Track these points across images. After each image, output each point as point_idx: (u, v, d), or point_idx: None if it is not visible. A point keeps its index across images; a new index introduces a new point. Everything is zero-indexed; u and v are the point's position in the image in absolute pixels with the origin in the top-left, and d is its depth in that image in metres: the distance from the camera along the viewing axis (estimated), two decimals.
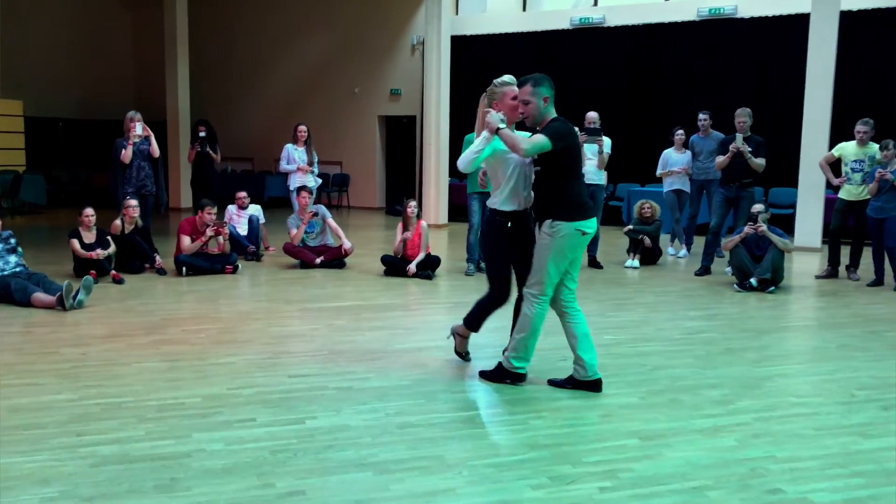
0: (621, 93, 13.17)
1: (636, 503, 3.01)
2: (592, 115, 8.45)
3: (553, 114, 4.26)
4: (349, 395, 4.25)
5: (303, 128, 9.60)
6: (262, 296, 7.16)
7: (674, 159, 9.62)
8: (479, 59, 14.07)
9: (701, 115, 9.40)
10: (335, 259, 8.41)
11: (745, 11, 12.41)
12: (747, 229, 7.47)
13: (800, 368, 5.07)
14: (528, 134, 4.31)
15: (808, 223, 10.33)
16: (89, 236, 7.55)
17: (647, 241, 8.88)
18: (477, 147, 4.24)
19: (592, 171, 8.30)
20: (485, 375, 4.53)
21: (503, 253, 4.45)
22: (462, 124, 8.08)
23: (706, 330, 5.93)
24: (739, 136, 8.06)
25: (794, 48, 11.42)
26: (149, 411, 3.94)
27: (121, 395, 4.19)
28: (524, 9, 14.49)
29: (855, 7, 11.38)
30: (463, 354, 4.90)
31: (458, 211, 12.44)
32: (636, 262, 8.83)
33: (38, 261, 7.98)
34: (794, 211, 10.72)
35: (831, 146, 8.65)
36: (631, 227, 9.11)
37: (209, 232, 7.89)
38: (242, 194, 9.41)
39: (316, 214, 8.48)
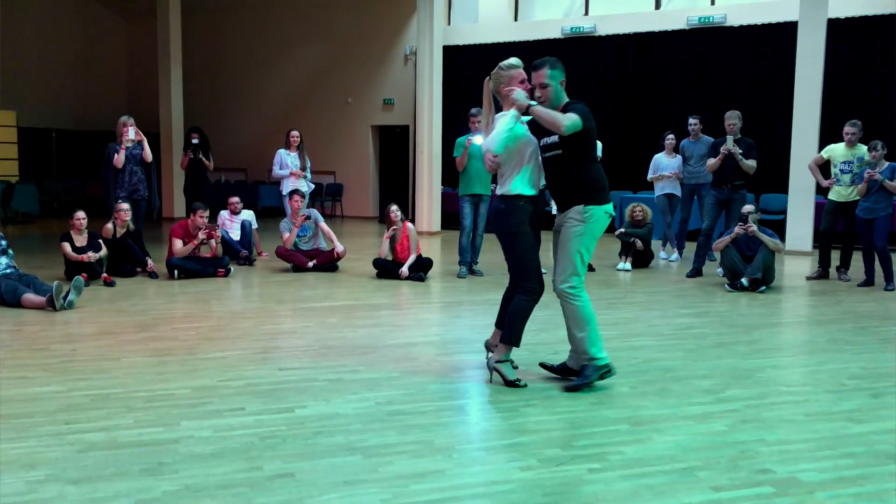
0: (612, 101, 13.25)
1: (626, 483, 3.00)
2: None
3: (566, 98, 4.21)
4: (339, 385, 4.24)
5: (295, 133, 9.62)
6: (254, 297, 7.15)
7: (664, 164, 9.67)
8: (471, 69, 14.11)
9: (691, 120, 9.46)
10: (328, 262, 8.41)
11: (734, 20, 12.54)
12: (738, 230, 7.50)
13: (790, 360, 5.08)
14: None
15: (798, 227, 10.38)
16: (81, 240, 7.53)
17: (639, 243, 8.91)
18: (508, 125, 4.06)
19: None
20: (574, 388, 4.15)
21: (532, 239, 4.21)
22: (455, 133, 8.11)
23: (697, 326, 5.94)
24: (730, 139, 8.12)
25: (782, 55, 11.53)
26: (137, 402, 3.92)
27: (109, 387, 4.17)
28: (516, 19, 14.60)
29: (842, 15, 11.51)
30: (514, 381, 4.18)
31: (450, 219, 12.46)
32: (628, 265, 8.85)
33: (30, 265, 7.94)
34: (785, 216, 10.77)
35: (820, 150, 8.72)
36: (622, 230, 9.13)
37: (201, 235, 7.88)
38: (235, 199, 9.41)
39: (308, 218, 8.49)
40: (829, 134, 10.04)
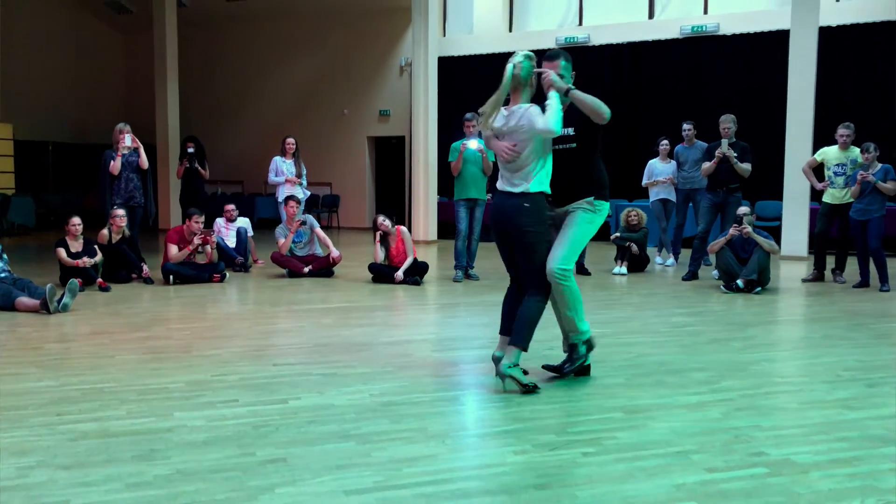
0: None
1: (620, 465, 2.99)
2: None
3: None
4: (333, 379, 4.23)
5: (291, 140, 9.66)
6: (250, 300, 7.14)
7: (659, 169, 9.70)
8: (466, 79, 14.21)
9: (685, 125, 9.51)
10: (323, 268, 8.40)
11: (727, 29, 12.63)
12: (733, 231, 7.52)
13: (785, 354, 5.08)
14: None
15: (794, 232, 10.40)
16: (76, 245, 7.53)
17: (635, 248, 8.92)
18: (559, 105, 3.90)
19: None
20: (575, 370, 4.18)
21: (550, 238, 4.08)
22: (451, 143, 8.13)
23: (692, 324, 5.93)
24: (725, 142, 8.16)
25: (775, 63, 11.59)
26: (130, 394, 3.91)
27: (103, 382, 4.15)
28: (510, 30, 14.70)
29: (834, 23, 11.62)
30: (528, 386, 3.95)
31: (446, 228, 12.47)
32: (624, 269, 8.85)
33: (25, 273, 7.86)
34: (780, 223, 10.80)
35: (814, 154, 8.75)
36: (618, 234, 9.15)
37: (196, 240, 7.88)
38: (231, 207, 9.42)
39: (304, 223, 8.50)
40: (822, 140, 10.08)
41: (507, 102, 4.05)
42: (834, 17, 11.64)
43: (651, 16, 13.51)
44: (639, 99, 13.32)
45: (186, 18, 15.79)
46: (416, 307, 6.82)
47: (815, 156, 8.41)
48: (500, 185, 4.08)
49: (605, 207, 4.14)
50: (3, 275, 6.59)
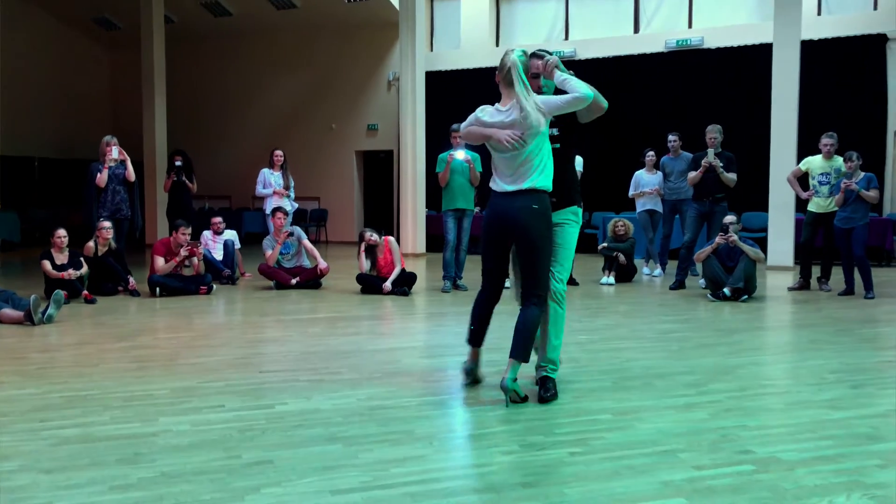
0: (591, 124, 13.39)
1: (607, 464, 2.99)
2: None
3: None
4: (320, 385, 4.21)
5: (279, 152, 9.66)
6: (237, 311, 7.11)
7: (645, 180, 9.76)
8: (453, 94, 14.29)
9: (671, 137, 9.58)
10: (311, 280, 8.38)
11: (711, 42, 12.78)
12: (719, 239, 7.57)
13: (772, 358, 5.10)
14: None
15: (779, 242, 10.47)
16: (61, 257, 7.48)
17: (622, 258, 8.95)
18: (573, 78, 3.79)
19: None
20: (551, 398, 3.87)
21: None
22: (437, 158, 8.19)
23: (680, 330, 5.95)
24: (711, 152, 8.24)
25: (758, 76, 11.72)
26: (115, 401, 3.87)
27: (87, 389, 4.11)
28: (497, 44, 14.80)
29: (815, 37, 11.78)
30: (525, 397, 3.85)
31: (435, 240, 12.47)
32: (611, 279, 8.88)
33: (10, 286, 7.81)
34: (766, 234, 10.88)
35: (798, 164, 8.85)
36: (605, 244, 9.19)
37: (183, 252, 7.85)
38: (218, 219, 9.40)
39: (291, 234, 8.48)
40: (806, 150, 10.17)
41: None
42: (815, 30, 11.81)
43: (636, 30, 13.66)
44: (625, 111, 13.39)
45: (174, 34, 15.82)
46: (404, 316, 6.80)
47: (800, 165, 8.49)
48: (501, 185, 3.80)
49: (582, 214, 4.14)
50: None
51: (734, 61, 12.54)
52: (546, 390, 3.87)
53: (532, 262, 3.80)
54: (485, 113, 3.87)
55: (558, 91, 3.91)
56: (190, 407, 3.77)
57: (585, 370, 4.51)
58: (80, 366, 4.68)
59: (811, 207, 8.27)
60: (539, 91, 3.94)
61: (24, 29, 16.15)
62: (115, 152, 8.29)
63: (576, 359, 4.81)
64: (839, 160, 8.09)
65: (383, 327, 6.29)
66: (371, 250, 8.00)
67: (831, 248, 8.26)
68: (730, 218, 7.77)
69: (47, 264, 7.35)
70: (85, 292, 7.35)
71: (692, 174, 8.41)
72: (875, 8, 12.02)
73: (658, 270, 9.75)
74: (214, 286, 8.10)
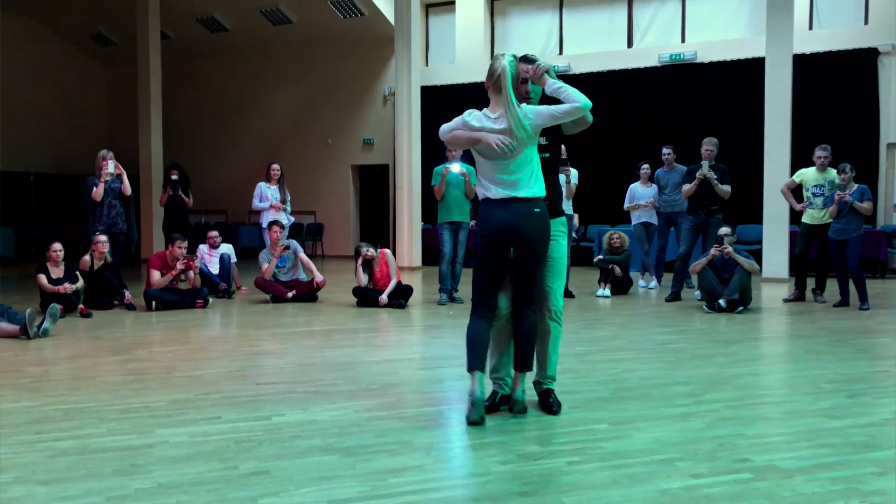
0: (587, 135, 13.46)
1: (605, 472, 2.99)
2: None
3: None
4: (317, 396, 4.20)
5: (276, 166, 9.69)
6: (233, 324, 7.10)
7: (640, 193, 9.81)
8: (449, 108, 14.26)
9: (665, 150, 9.64)
10: (307, 293, 8.38)
11: (705, 56, 12.89)
12: (714, 251, 7.59)
13: (768, 368, 5.12)
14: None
15: (774, 254, 10.51)
16: (57, 271, 7.47)
17: (618, 270, 8.97)
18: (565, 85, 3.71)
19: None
20: (559, 408, 3.86)
21: None
22: (433, 172, 8.23)
23: (676, 342, 5.96)
24: (705, 164, 8.29)
25: (751, 89, 11.80)
26: (111, 413, 3.86)
27: (83, 402, 4.10)
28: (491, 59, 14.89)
29: (807, 51, 11.89)
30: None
31: (431, 254, 12.49)
32: (607, 291, 8.90)
33: (5, 300, 7.81)
34: (761, 246, 10.92)
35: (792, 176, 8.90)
36: (601, 256, 9.21)
37: (179, 265, 7.84)
38: (214, 233, 9.40)
39: (287, 248, 8.48)
40: (799, 163, 10.24)
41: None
42: (807, 45, 11.92)
43: (630, 45, 13.76)
44: (619, 125, 13.51)
45: (170, 49, 15.89)
46: (400, 329, 6.80)
47: (794, 177, 8.54)
48: (496, 191, 3.66)
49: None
50: None
51: (727, 75, 12.65)
52: (552, 404, 3.84)
53: (530, 272, 3.72)
54: (472, 117, 3.72)
55: (546, 98, 3.80)
56: (187, 419, 3.76)
57: (583, 381, 4.52)
58: (75, 379, 4.67)
59: (805, 219, 8.31)
60: (526, 96, 3.82)
61: (21, 44, 16.21)
62: (111, 166, 8.31)
63: (573, 370, 4.81)
64: (833, 172, 8.14)
65: (380, 339, 6.29)
66: (368, 264, 8.01)
67: (826, 260, 8.29)
68: (724, 230, 7.80)
69: (43, 278, 7.34)
70: (81, 306, 7.33)
71: (687, 186, 8.46)
72: (866, 23, 12.14)
73: (654, 283, 9.77)
74: (211, 300, 8.09)
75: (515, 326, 3.78)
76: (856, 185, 7.85)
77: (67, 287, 7.32)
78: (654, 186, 9.71)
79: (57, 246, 7.50)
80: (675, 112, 12.98)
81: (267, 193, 9.54)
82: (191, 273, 7.98)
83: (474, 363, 3.67)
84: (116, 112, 17.93)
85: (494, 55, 3.78)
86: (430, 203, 9.74)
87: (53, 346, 5.85)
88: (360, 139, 15.95)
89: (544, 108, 3.69)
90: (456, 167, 7.93)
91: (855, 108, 11.85)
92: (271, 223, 8.64)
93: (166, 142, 14.97)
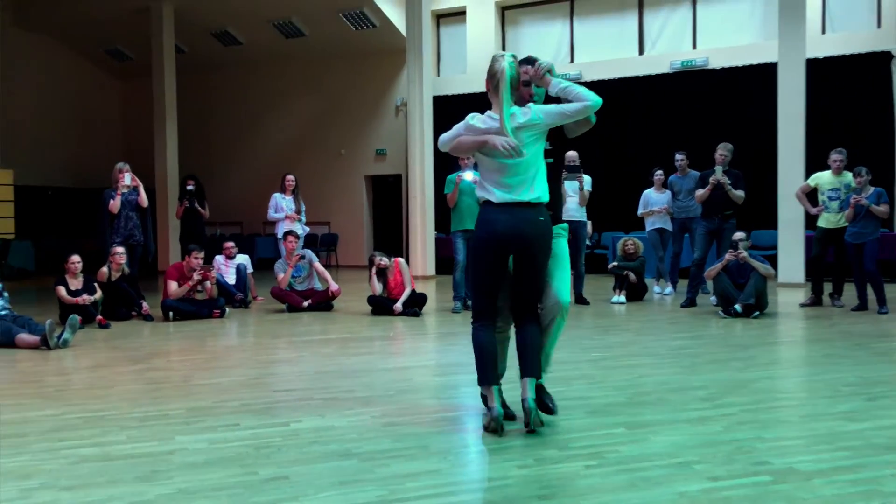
0: (600, 142, 13.47)
1: (622, 476, 2.99)
2: (572, 154, 8.58)
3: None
4: (334, 403, 4.23)
5: (290, 177, 9.76)
6: (249, 334, 7.14)
7: (654, 199, 9.79)
8: (460, 118, 14.30)
9: (678, 156, 9.62)
10: (323, 302, 8.42)
11: (716, 63, 12.88)
12: (728, 256, 7.57)
13: (785, 372, 5.09)
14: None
15: (790, 259, 10.46)
16: (75, 283, 7.55)
17: (632, 276, 8.95)
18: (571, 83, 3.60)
19: (573, 207, 8.47)
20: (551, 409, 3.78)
21: None
22: (445, 180, 8.28)
23: (692, 347, 5.94)
24: (719, 169, 8.26)
25: (764, 95, 11.77)
26: (131, 421, 3.90)
27: (103, 409, 4.15)
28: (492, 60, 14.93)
29: (820, 55, 11.86)
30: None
31: (444, 263, 12.51)
32: (622, 298, 8.88)
33: (25, 312, 7.87)
34: (776, 251, 10.86)
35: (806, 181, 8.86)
36: (615, 263, 9.20)
37: (196, 276, 7.91)
38: (230, 244, 9.47)
39: (303, 258, 8.54)
40: (813, 167, 10.20)
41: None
42: (820, 49, 11.88)
43: (641, 52, 13.78)
44: (632, 132, 13.50)
45: (184, 64, 16.07)
46: (415, 336, 6.82)
47: (809, 181, 8.50)
48: (499, 195, 3.55)
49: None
50: (3, 312, 6.60)
51: (739, 81, 12.62)
52: (548, 398, 3.78)
53: (531, 279, 3.60)
54: (476, 119, 3.65)
55: (550, 99, 3.69)
56: (205, 426, 3.79)
57: (599, 386, 4.51)
58: (95, 388, 4.72)
59: (821, 223, 8.27)
60: (530, 98, 3.70)
61: (38, 60, 16.46)
62: (127, 179, 8.40)
63: (589, 375, 4.81)
64: (848, 176, 8.10)
65: (395, 347, 6.31)
66: (382, 273, 8.04)
67: (843, 264, 8.24)
68: (739, 234, 7.77)
69: (62, 290, 7.42)
70: (99, 317, 7.41)
71: (700, 192, 8.44)
72: (879, 26, 12.10)
73: (669, 289, 9.74)
74: (227, 310, 8.15)
75: (517, 338, 3.66)
76: (872, 189, 7.80)
77: (86, 298, 7.40)
78: (668, 192, 9.69)
79: (75, 258, 7.59)
80: (687, 118, 12.96)
81: (282, 204, 9.61)
82: (207, 283, 8.04)
83: (488, 376, 3.58)
84: (132, 125, 18.15)
85: (494, 56, 3.62)
86: (444, 212, 9.77)
87: (73, 356, 5.91)
88: (372, 150, 16.04)
89: (553, 106, 3.58)
90: (469, 175, 7.95)
91: (869, 111, 11.79)
92: (286, 233, 8.71)
93: (181, 154, 15.14)
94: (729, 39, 12.99)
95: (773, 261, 10.60)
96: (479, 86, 14.52)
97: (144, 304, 7.94)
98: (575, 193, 8.49)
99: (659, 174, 9.84)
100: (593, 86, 13.37)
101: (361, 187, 16.22)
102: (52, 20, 16.02)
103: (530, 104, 3.62)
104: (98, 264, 8.06)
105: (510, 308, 3.73)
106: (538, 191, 3.57)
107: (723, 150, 8.40)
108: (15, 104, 15.69)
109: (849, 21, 12.35)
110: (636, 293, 9.07)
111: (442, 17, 15.47)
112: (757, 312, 7.41)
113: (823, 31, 12.41)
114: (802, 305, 8.31)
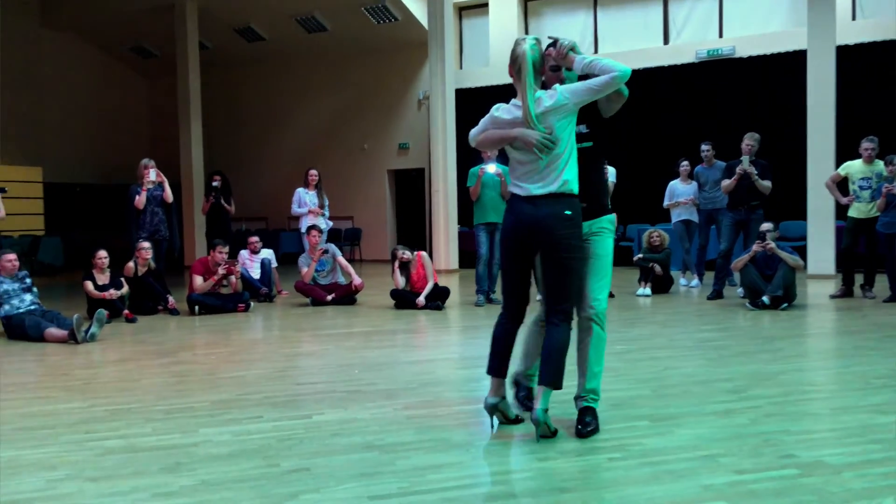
0: (625, 133, 13.34)
1: (646, 469, 2.95)
2: None
3: None
4: (357, 395, 4.23)
5: (314, 172, 9.79)
6: (274, 327, 7.19)
7: (680, 190, 9.67)
8: (483, 111, 14.24)
9: (703, 146, 9.49)
10: (346, 296, 8.45)
11: (743, 51, 12.67)
12: (756, 247, 7.45)
13: (814, 364, 5.00)
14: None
15: (819, 250, 10.27)
16: (102, 278, 7.65)
17: (658, 268, 8.86)
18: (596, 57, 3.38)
19: None
20: (591, 433, 3.42)
21: None
22: (468, 173, 8.24)
23: (719, 339, 5.86)
24: (746, 159, 8.13)
25: (793, 83, 11.58)
26: (157, 414, 3.94)
27: (129, 402, 4.19)
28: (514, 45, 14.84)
29: (851, 42, 11.61)
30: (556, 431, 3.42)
31: (467, 257, 12.48)
32: (648, 290, 8.79)
33: (53, 307, 8.00)
34: (806, 242, 10.68)
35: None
36: (641, 255, 9.11)
37: (221, 270, 7.97)
38: (255, 239, 9.53)
39: (326, 252, 8.57)
40: (843, 156, 10.00)
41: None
42: (851, 35, 11.63)
43: (666, 41, 13.60)
44: (657, 122, 13.34)
45: (209, 60, 16.19)
46: (438, 330, 6.81)
47: (839, 170, 8.34)
48: (526, 187, 3.36)
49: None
50: (32, 307, 6.71)
51: (767, 69, 12.40)
52: (585, 425, 3.41)
53: (558, 277, 3.35)
54: (501, 110, 3.48)
55: (581, 79, 3.42)
56: (229, 418, 3.81)
57: (623, 378, 4.47)
58: (122, 381, 4.77)
59: (852, 213, 8.11)
60: (561, 84, 3.43)
61: (66, 59, 16.68)
62: (152, 174, 8.48)
63: (613, 368, 4.76)
64: (880, 164, 7.94)
65: (418, 340, 6.31)
66: (405, 266, 8.04)
67: (874, 255, 8.08)
68: (767, 225, 7.65)
69: (89, 285, 7.52)
70: (126, 311, 7.50)
71: (726, 182, 8.31)
72: None
73: (695, 281, 9.62)
74: (252, 304, 8.21)
75: (545, 337, 3.41)
76: None
77: (113, 293, 7.49)
78: (694, 183, 9.57)
79: (102, 253, 7.69)
80: (713, 108, 12.78)
81: (305, 199, 9.64)
82: (232, 278, 8.10)
83: (493, 366, 3.48)
84: (158, 122, 18.34)
85: (516, 40, 3.44)
86: (466, 206, 9.73)
87: (100, 350, 5.99)
88: (395, 144, 16.04)
89: (579, 84, 3.33)
90: (492, 168, 7.91)
91: None
92: (310, 228, 8.74)
93: (206, 150, 15.26)
94: (756, 27, 12.77)
95: (802, 252, 10.43)
96: (502, 78, 14.47)
97: (170, 299, 8.02)
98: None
99: (685, 165, 9.71)
100: None
101: (384, 181, 16.24)
102: (79, 19, 16.23)
103: (556, 85, 3.38)
104: (125, 259, 8.16)
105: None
106: (569, 181, 3.31)
107: (749, 140, 8.27)
108: (43, 103, 15.94)
109: (880, 7, 12.05)
110: (662, 285, 8.97)
111: (464, 10, 15.41)
112: (785, 304, 7.29)
113: (854, 18, 12.14)
114: (832, 297, 8.16)
